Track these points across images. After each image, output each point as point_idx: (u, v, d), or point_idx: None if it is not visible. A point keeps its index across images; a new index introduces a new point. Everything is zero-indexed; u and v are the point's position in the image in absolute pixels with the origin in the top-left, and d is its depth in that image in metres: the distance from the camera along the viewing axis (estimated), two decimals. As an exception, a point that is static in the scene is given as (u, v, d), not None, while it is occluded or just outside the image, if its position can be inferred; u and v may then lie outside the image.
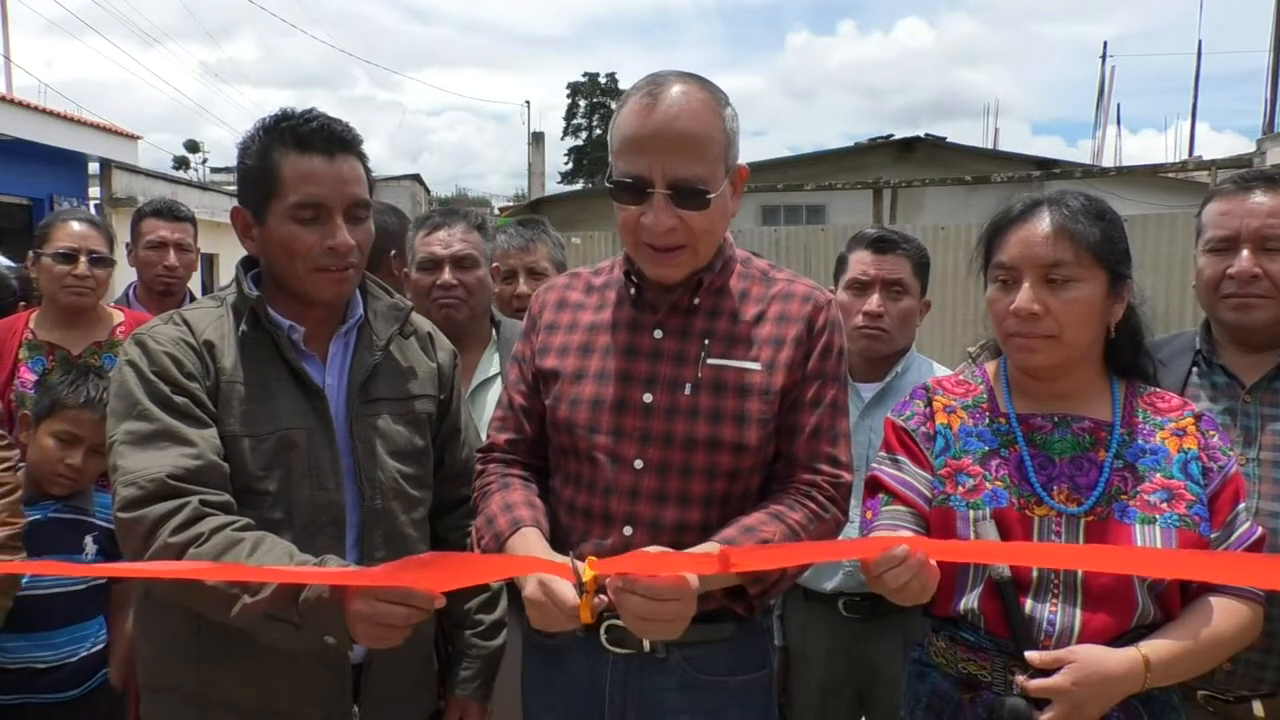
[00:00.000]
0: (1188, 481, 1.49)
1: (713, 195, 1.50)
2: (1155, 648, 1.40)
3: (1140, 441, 1.52)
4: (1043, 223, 1.50)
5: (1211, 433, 1.54)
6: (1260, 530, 1.52)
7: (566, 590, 1.39)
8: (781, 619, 2.41)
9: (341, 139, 1.60)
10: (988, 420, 1.60)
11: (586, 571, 1.36)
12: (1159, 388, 1.61)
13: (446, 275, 2.31)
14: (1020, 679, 1.42)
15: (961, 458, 1.57)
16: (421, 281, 2.35)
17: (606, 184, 1.54)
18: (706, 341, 1.58)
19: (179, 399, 1.51)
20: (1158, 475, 1.50)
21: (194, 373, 1.54)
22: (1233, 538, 1.49)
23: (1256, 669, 1.65)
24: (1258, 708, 1.66)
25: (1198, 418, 1.55)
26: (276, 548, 1.43)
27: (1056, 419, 1.56)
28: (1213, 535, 1.48)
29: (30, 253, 2.89)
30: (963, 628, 1.54)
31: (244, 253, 1.72)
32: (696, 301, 1.60)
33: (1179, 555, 1.43)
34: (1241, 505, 1.51)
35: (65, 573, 1.83)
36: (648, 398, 1.57)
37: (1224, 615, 1.45)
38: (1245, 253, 1.69)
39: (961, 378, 1.70)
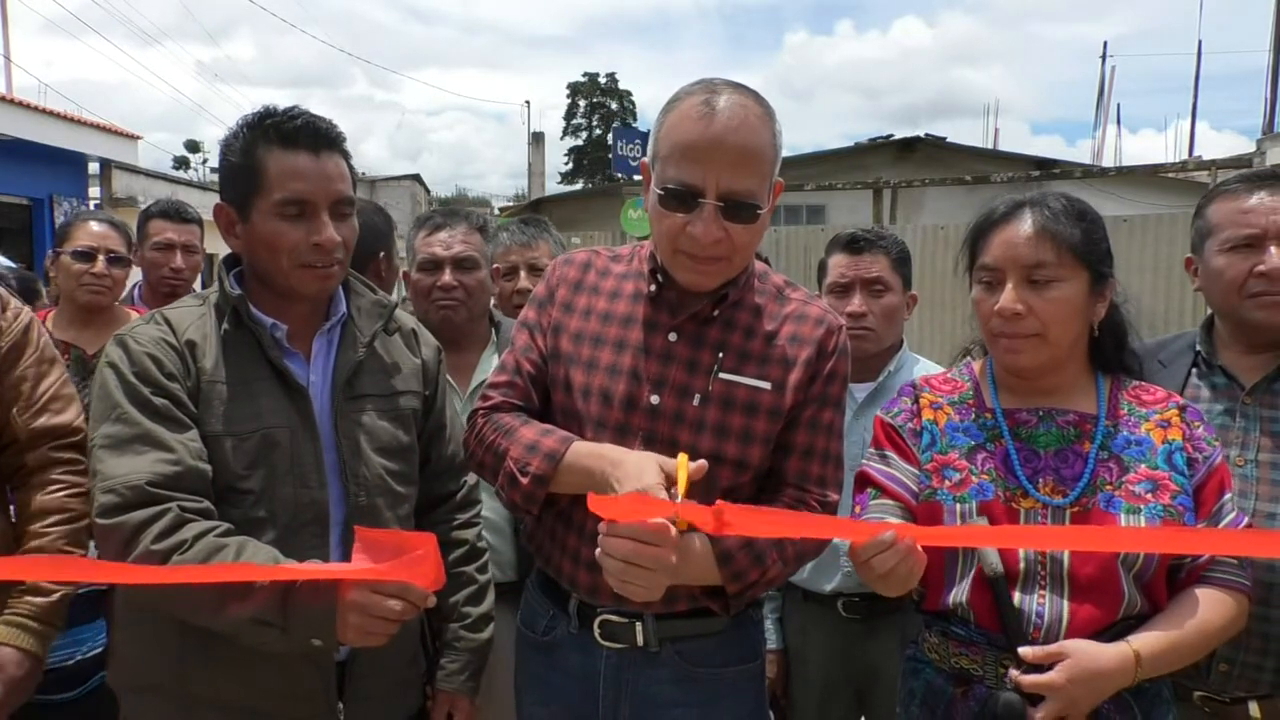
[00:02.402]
0: (1172, 472, 1.51)
1: (762, 211, 1.50)
2: (1145, 642, 1.42)
3: (1125, 433, 1.55)
4: (1025, 224, 1.53)
5: (1196, 424, 1.56)
6: (1246, 520, 1.54)
7: (664, 511, 1.34)
8: (781, 620, 2.41)
9: (326, 136, 1.60)
10: (974, 416, 1.62)
11: (681, 469, 1.35)
12: (1145, 382, 1.63)
13: (447, 277, 2.32)
14: (1014, 674, 1.42)
15: (948, 453, 1.60)
16: (421, 282, 2.36)
17: (657, 190, 1.50)
18: (720, 354, 1.58)
19: (159, 401, 1.50)
20: (1142, 466, 1.52)
21: (175, 373, 1.53)
22: (1219, 528, 1.50)
23: (1253, 670, 1.65)
24: (1254, 709, 1.66)
25: (1182, 409, 1.57)
26: (260, 552, 1.43)
27: (1041, 413, 1.58)
28: (1199, 525, 1.50)
29: (50, 251, 2.93)
30: (953, 622, 1.56)
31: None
32: (715, 313, 1.61)
33: (1161, 532, 1.46)
34: (1228, 495, 1.53)
35: (57, 577, 1.82)
36: (654, 399, 1.57)
37: (1210, 607, 1.47)
38: (1274, 249, 1.68)
39: (949, 375, 1.73)
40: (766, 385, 1.58)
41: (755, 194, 1.49)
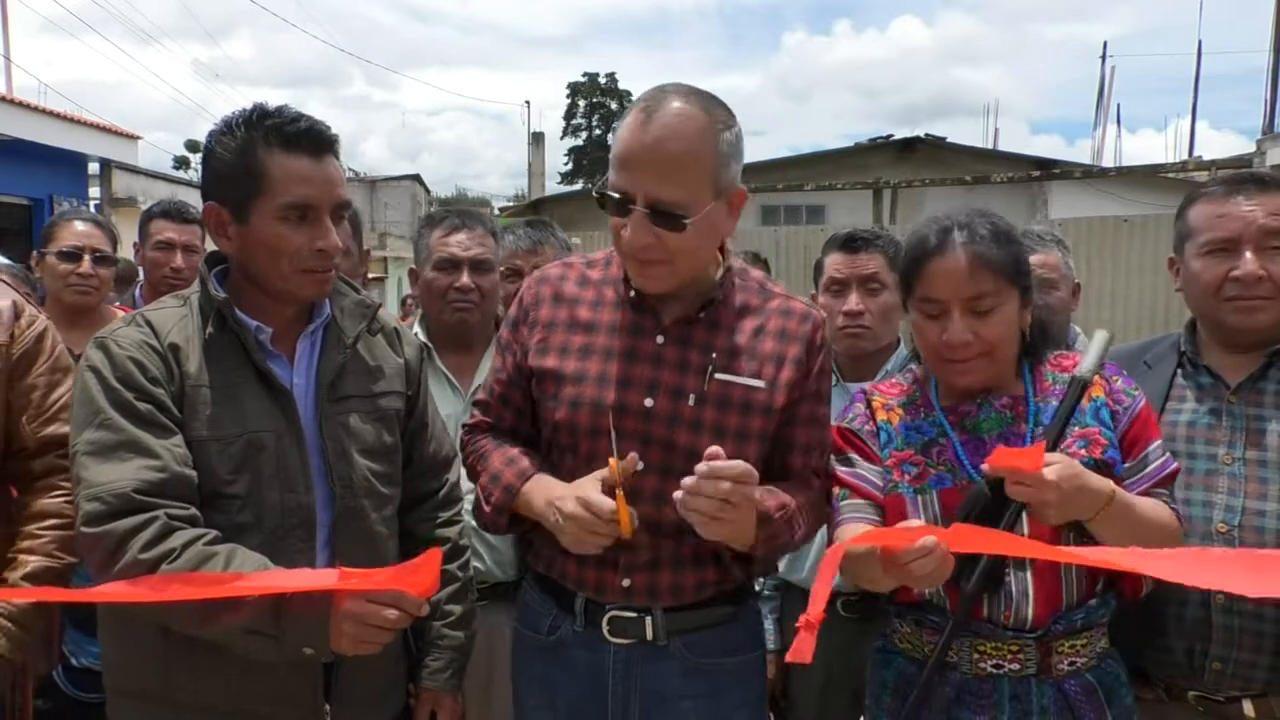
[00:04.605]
0: (1101, 427, 1.61)
1: (689, 220, 1.51)
2: (1121, 491, 1.51)
3: (1054, 402, 1.63)
4: (961, 256, 1.59)
5: (1115, 378, 1.66)
6: (1174, 465, 1.63)
7: (606, 502, 1.47)
8: (780, 621, 2.41)
9: (328, 140, 1.60)
10: (922, 415, 1.71)
11: (614, 473, 1.48)
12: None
13: (465, 279, 2.34)
14: (988, 468, 1.48)
15: (904, 449, 1.69)
16: (438, 281, 2.36)
17: (594, 193, 1.58)
18: (714, 355, 1.61)
19: (143, 406, 1.48)
20: (1075, 428, 1.60)
21: (158, 377, 1.51)
22: (1148, 469, 1.61)
23: (1247, 668, 1.66)
24: (1248, 707, 1.67)
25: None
26: (250, 560, 1.43)
27: (979, 400, 1.67)
28: (1126, 465, 1.59)
29: (35, 252, 2.91)
30: (929, 612, 1.64)
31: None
32: (700, 314, 1.63)
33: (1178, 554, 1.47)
34: (1155, 443, 1.63)
35: (53, 598, 1.80)
36: (648, 402, 1.59)
37: (1162, 508, 1.59)
38: (1249, 255, 1.69)
39: (894, 380, 1.81)
40: (761, 384, 1.61)
41: (683, 203, 1.51)
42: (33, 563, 1.76)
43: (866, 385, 1.82)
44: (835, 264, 2.39)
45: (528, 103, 40.54)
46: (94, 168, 13.43)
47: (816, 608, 1.31)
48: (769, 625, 2.37)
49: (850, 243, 2.39)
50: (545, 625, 1.70)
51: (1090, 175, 11.26)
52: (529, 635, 1.74)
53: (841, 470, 1.72)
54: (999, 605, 1.57)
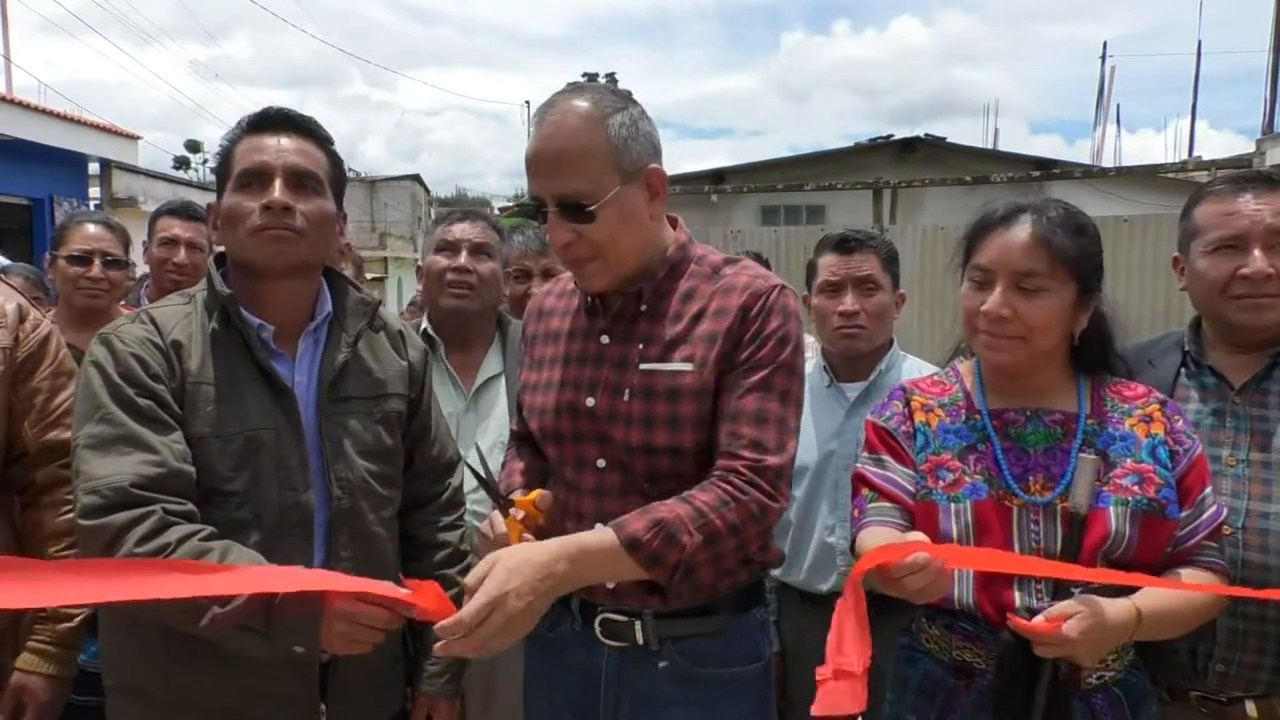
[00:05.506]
0: (1157, 466, 1.56)
1: (594, 207, 1.51)
2: (1146, 601, 1.47)
3: (1110, 429, 1.59)
4: (1023, 231, 1.56)
5: (1176, 418, 1.61)
6: (1224, 512, 1.60)
7: (499, 522, 1.55)
8: (778, 623, 2.41)
9: (294, 121, 1.64)
10: (964, 417, 1.66)
11: (526, 499, 1.58)
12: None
13: (463, 259, 2.35)
14: (1016, 621, 1.43)
15: (941, 453, 1.63)
16: (437, 264, 2.39)
17: (515, 207, 1.62)
18: (641, 347, 1.60)
19: (143, 402, 1.50)
20: (1129, 460, 1.56)
21: (160, 374, 1.53)
22: (1203, 517, 1.56)
23: (1250, 670, 1.66)
24: (1251, 708, 1.67)
25: (1162, 404, 1.62)
26: (244, 557, 1.43)
27: (1029, 412, 1.62)
28: (1182, 514, 1.55)
29: (47, 254, 2.93)
30: (961, 618, 1.60)
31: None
32: (643, 308, 1.62)
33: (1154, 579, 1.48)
34: (1208, 489, 1.58)
35: (53, 602, 1.82)
36: (590, 402, 1.60)
37: (1199, 580, 1.53)
38: (1258, 253, 1.69)
39: (936, 379, 1.76)
40: (688, 367, 1.56)
41: (585, 193, 1.51)
42: None
43: (905, 383, 1.76)
44: (830, 265, 2.40)
45: (527, 103, 40.40)
46: (94, 168, 13.43)
47: (861, 657, 1.29)
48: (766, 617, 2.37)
49: (844, 244, 2.39)
50: (547, 621, 1.69)
51: (1090, 175, 11.22)
52: (536, 630, 1.75)
53: (871, 471, 1.68)
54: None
